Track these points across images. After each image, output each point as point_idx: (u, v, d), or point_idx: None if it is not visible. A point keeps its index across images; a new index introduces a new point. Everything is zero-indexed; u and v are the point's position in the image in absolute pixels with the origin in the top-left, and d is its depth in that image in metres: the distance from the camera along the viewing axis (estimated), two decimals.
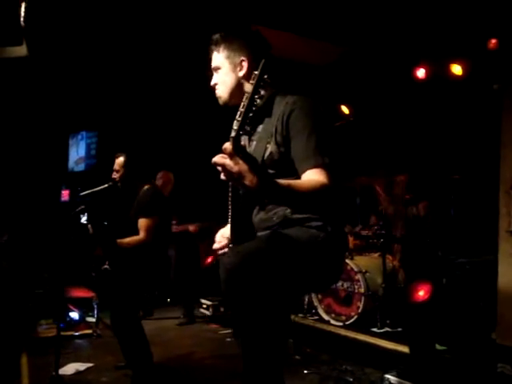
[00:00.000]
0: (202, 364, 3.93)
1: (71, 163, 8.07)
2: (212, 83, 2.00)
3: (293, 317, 4.70)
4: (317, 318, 4.61)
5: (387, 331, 4.07)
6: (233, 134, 1.55)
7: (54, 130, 7.21)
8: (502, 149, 3.31)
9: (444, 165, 5.32)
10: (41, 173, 7.02)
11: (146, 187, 3.41)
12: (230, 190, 1.73)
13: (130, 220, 3.35)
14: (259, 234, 1.85)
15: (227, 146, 1.54)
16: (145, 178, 3.52)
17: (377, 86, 6.11)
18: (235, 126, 1.56)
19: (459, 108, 5.48)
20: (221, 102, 2.01)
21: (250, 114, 1.55)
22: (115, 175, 3.44)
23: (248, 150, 1.81)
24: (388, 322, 4.14)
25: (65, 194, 7.82)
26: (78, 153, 8.00)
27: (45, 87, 6.34)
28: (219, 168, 1.55)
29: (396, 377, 2.87)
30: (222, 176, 1.57)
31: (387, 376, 2.91)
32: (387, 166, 5.34)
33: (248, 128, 1.58)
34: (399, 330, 3.99)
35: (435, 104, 5.69)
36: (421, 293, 2.98)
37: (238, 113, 1.56)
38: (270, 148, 1.81)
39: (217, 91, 2.00)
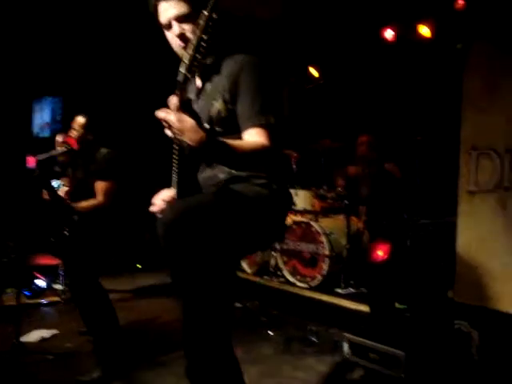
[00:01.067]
0: (167, 329, 3.94)
1: (36, 129, 7.88)
2: (178, 32, 1.81)
3: (258, 279, 4.75)
4: (282, 280, 4.66)
5: (351, 292, 4.15)
6: (180, 77, 1.52)
7: (17, 95, 6.99)
8: (464, 109, 3.31)
9: (409, 126, 5.34)
10: (3, 139, 6.82)
11: (104, 150, 3.33)
12: (174, 146, 1.68)
13: (88, 183, 3.28)
14: (205, 191, 1.83)
15: (172, 100, 1.49)
16: (105, 141, 3.43)
17: (345, 48, 6.06)
18: (182, 68, 1.53)
19: (426, 69, 5.48)
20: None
21: (196, 63, 1.51)
22: (73, 133, 3.34)
23: (195, 107, 1.76)
24: (352, 282, 4.21)
25: (30, 161, 7.67)
26: (42, 118, 7.81)
27: (6, 52, 6.11)
28: (163, 123, 1.51)
29: (356, 335, 2.92)
30: (166, 131, 1.53)
31: (348, 335, 2.95)
32: (354, 127, 5.36)
33: (194, 76, 1.55)
34: (363, 290, 4.07)
35: (403, 65, 5.67)
36: (380, 252, 3.01)
37: (186, 55, 1.53)
38: (218, 105, 1.77)
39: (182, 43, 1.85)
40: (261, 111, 1.72)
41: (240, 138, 1.74)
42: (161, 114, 1.51)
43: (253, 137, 1.71)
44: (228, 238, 1.65)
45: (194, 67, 1.54)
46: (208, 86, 1.85)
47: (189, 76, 1.55)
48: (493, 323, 3.07)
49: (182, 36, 1.78)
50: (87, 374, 2.88)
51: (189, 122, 1.50)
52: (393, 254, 2.99)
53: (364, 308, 3.45)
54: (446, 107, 4.89)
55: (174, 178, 1.75)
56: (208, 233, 1.57)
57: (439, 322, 3.04)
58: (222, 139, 1.62)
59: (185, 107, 1.51)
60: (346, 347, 2.94)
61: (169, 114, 1.50)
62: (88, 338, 3.22)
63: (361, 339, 2.87)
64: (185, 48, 1.71)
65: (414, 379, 2.63)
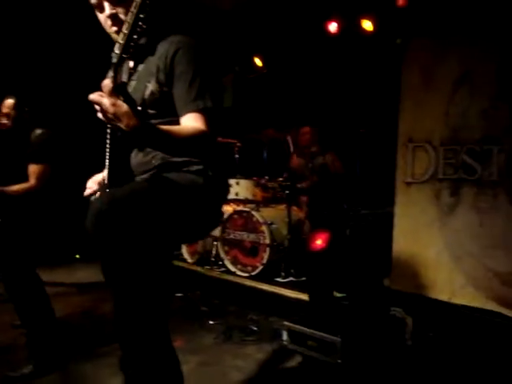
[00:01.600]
0: (106, 320, 3.85)
1: None
2: (109, 13, 1.75)
3: (199, 269, 4.72)
4: (223, 269, 4.64)
5: (291, 281, 4.19)
6: (114, 60, 1.47)
7: None
8: (401, 102, 3.40)
9: (351, 118, 5.44)
10: None
11: (38, 131, 3.18)
12: (107, 129, 1.62)
13: (20, 166, 3.12)
14: (138, 178, 1.77)
15: (107, 83, 1.44)
16: (38, 121, 3.28)
17: (290, 39, 6.08)
18: (117, 49, 1.48)
19: (368, 63, 5.58)
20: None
21: (132, 44, 1.46)
22: (3, 120, 3.18)
23: (128, 88, 1.70)
24: (292, 271, 4.25)
25: None
26: None
27: None
28: (96, 107, 1.45)
29: (295, 323, 2.95)
30: (99, 115, 1.47)
31: (286, 323, 2.98)
32: (296, 118, 5.39)
33: (128, 57, 1.50)
34: (303, 279, 4.12)
35: (346, 58, 5.76)
36: (318, 241, 3.05)
37: (121, 35, 1.47)
38: (151, 87, 1.72)
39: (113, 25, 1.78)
40: (198, 95, 1.68)
41: (174, 120, 1.71)
42: (94, 97, 1.44)
43: (190, 122, 1.68)
44: (161, 227, 1.61)
45: (130, 48, 1.49)
46: (141, 66, 1.79)
47: (124, 57, 1.50)
48: (426, 309, 3.19)
49: (113, 17, 1.72)
50: (18, 370, 2.77)
51: (123, 106, 1.45)
52: (332, 243, 3.04)
53: (303, 296, 3.49)
54: (386, 100, 5.01)
55: (106, 162, 1.69)
56: (139, 222, 1.52)
57: (375, 309, 3.12)
58: (157, 125, 1.58)
59: (119, 91, 1.46)
60: (284, 335, 2.97)
61: (102, 98, 1.44)
62: (22, 331, 3.10)
63: (299, 327, 2.90)
64: (117, 30, 1.65)
65: (350, 364, 2.70)
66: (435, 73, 3.20)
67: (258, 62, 6.79)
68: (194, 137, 1.65)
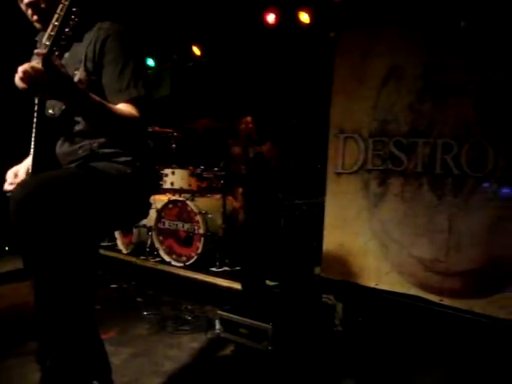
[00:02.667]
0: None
1: None
2: (28, 1, 1.70)
3: (134, 259, 4.67)
4: (158, 259, 4.61)
5: (226, 270, 4.21)
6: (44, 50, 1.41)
7: None
8: (333, 95, 3.47)
9: (287, 109, 5.49)
10: None
11: None
12: (35, 112, 1.57)
13: None
14: (65, 166, 1.74)
15: (40, 51, 1.39)
16: None
17: (229, 28, 6.06)
18: (47, 41, 1.43)
19: (305, 55, 5.65)
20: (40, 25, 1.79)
21: (63, 36, 1.42)
22: None
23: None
24: (227, 261, 4.27)
25: None
26: None
27: None
28: (21, 74, 1.38)
29: (227, 312, 2.98)
30: (19, 83, 1.41)
31: (219, 312, 3.01)
32: (234, 109, 5.39)
33: (62, 43, 1.45)
34: (237, 268, 4.15)
35: (283, 50, 5.80)
36: (248, 230, 3.10)
37: (51, 27, 1.42)
38: (79, 75, 1.69)
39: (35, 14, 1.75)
40: (130, 84, 1.67)
41: None
42: (25, 66, 1.38)
43: (125, 107, 1.67)
44: (86, 215, 1.58)
45: (61, 40, 1.44)
46: (67, 54, 1.74)
47: (54, 50, 1.44)
48: (355, 296, 3.29)
49: (33, 6, 1.66)
50: None
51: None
52: (265, 232, 3.08)
53: (237, 286, 3.52)
54: (321, 92, 5.10)
55: (32, 151, 1.64)
56: (64, 209, 1.49)
57: (307, 296, 3.20)
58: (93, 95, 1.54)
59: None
60: (217, 324, 2.99)
61: (35, 66, 1.38)
62: None
63: (231, 315, 2.93)
64: (38, 19, 1.60)
65: (281, 351, 2.75)
66: (365, 66, 3.28)
67: (196, 50, 6.73)
68: (125, 118, 1.64)
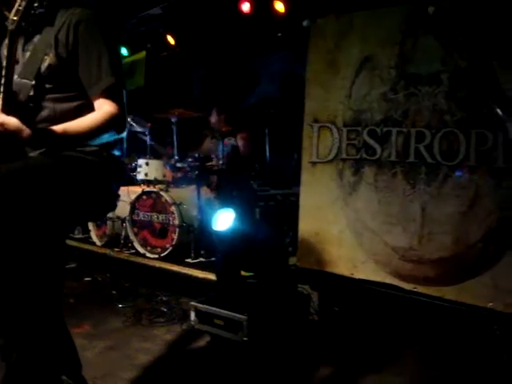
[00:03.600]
0: None
1: None
2: None
3: (108, 251, 4.61)
4: (133, 251, 4.56)
5: (201, 261, 4.18)
6: (11, 27, 1.41)
7: None
8: (307, 84, 3.45)
9: (262, 98, 5.47)
10: None
11: None
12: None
13: None
14: (30, 154, 1.69)
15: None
16: None
17: (203, 17, 5.99)
18: (14, 16, 1.42)
19: (279, 44, 5.63)
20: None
21: (32, 11, 1.41)
22: None
23: (22, 61, 1.62)
24: (202, 252, 4.25)
25: None
26: None
27: None
28: None
29: (202, 303, 2.96)
30: None
31: (194, 303, 2.99)
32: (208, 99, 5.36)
33: (27, 25, 1.42)
34: (213, 259, 4.12)
35: (259, 38, 5.76)
36: (224, 221, 3.07)
37: (14, 11, 1.38)
38: (49, 60, 1.64)
39: None
40: (102, 73, 1.64)
41: (72, 96, 1.69)
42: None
43: (98, 106, 1.65)
44: (52, 207, 1.54)
45: (29, 16, 1.41)
46: (37, 37, 1.69)
47: (23, 25, 1.41)
48: (331, 286, 3.31)
49: None
50: None
51: (11, 124, 1.44)
52: (239, 222, 3.06)
53: (212, 276, 3.50)
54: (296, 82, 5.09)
55: None
56: (28, 202, 1.46)
57: (282, 286, 3.20)
58: (55, 127, 1.54)
59: (8, 105, 1.45)
60: (192, 315, 2.98)
61: None
62: None
63: (206, 306, 2.93)
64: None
65: (257, 342, 2.75)
66: (338, 55, 3.27)
67: (170, 39, 6.63)
68: (103, 125, 1.63)
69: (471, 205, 2.76)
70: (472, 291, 2.72)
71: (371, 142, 3.16)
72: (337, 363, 2.67)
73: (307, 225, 3.41)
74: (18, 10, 1.41)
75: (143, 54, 6.84)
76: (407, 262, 2.99)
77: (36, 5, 1.43)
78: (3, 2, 1.62)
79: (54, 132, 1.54)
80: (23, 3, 1.40)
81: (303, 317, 3.20)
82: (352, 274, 3.19)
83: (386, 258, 3.07)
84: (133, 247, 4.56)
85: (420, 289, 2.93)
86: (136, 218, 4.56)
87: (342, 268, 3.25)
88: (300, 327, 3.12)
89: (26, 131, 1.46)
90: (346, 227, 3.24)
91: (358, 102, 3.22)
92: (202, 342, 2.98)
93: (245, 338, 2.71)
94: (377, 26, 3.12)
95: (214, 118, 5.17)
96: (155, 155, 4.95)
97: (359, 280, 3.16)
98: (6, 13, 1.70)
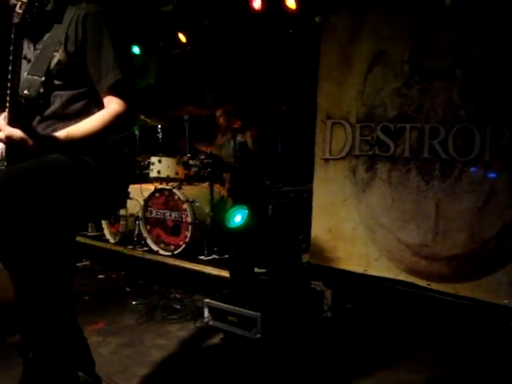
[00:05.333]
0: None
1: None
2: None
3: (122, 249, 4.63)
4: (146, 249, 4.57)
5: (214, 258, 4.19)
6: (16, 20, 1.43)
7: None
8: (320, 81, 3.45)
9: (273, 95, 5.45)
10: None
11: None
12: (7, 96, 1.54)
13: None
14: None
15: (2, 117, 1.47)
16: None
17: (214, 14, 5.98)
18: (19, 8, 1.43)
19: (291, 41, 5.60)
20: None
21: (36, 4, 1.41)
22: None
23: (31, 58, 1.63)
24: (215, 249, 4.25)
25: None
26: None
27: None
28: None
29: (215, 300, 2.96)
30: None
31: (207, 300, 3.00)
32: (218, 96, 5.35)
33: (31, 19, 1.44)
34: (226, 256, 4.13)
35: (270, 36, 5.74)
36: (237, 218, 3.06)
37: (18, 4, 1.40)
38: (59, 56, 1.64)
39: None
40: (112, 68, 1.64)
41: (82, 92, 1.70)
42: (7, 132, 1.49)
43: (108, 104, 1.66)
44: (63, 205, 1.56)
45: (34, 8, 1.42)
46: (46, 35, 1.70)
47: (27, 18, 1.42)
48: (344, 282, 3.30)
49: None
50: None
51: (17, 135, 1.48)
52: (252, 219, 3.05)
53: (226, 274, 3.50)
54: (308, 78, 5.07)
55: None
56: (41, 201, 1.47)
57: (295, 283, 3.19)
58: (59, 133, 1.56)
59: (14, 117, 1.50)
60: (206, 312, 2.98)
61: None
62: None
63: (220, 303, 2.93)
64: None
65: (270, 339, 2.75)
66: (351, 51, 3.26)
67: (181, 37, 6.64)
68: (110, 124, 1.64)
69: (486, 201, 2.73)
70: (487, 288, 2.70)
71: (385, 138, 3.14)
72: (350, 360, 2.66)
73: (320, 222, 3.40)
74: (22, 3, 1.42)
75: (154, 52, 6.86)
76: (421, 258, 2.98)
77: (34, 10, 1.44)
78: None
79: (57, 139, 1.56)
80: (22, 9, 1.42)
81: (316, 314, 3.19)
82: (365, 271, 3.19)
83: (400, 254, 3.06)
84: (146, 245, 4.57)
85: (434, 285, 2.92)
86: (149, 216, 4.57)
87: (355, 265, 3.24)
88: (313, 324, 3.11)
89: (30, 142, 1.50)
90: (359, 224, 3.23)
91: (371, 97, 3.21)
92: (216, 339, 2.99)
93: (258, 335, 2.71)
94: (390, 20, 3.10)
95: (222, 118, 5.15)
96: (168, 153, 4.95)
97: (372, 276, 3.15)
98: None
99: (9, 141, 1.48)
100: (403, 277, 3.04)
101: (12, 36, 1.45)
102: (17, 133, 1.48)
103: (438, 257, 2.89)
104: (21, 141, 1.49)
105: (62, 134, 1.57)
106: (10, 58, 1.47)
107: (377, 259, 3.14)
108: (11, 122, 1.51)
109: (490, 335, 2.64)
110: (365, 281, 3.19)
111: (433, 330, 2.85)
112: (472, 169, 2.81)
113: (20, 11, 1.42)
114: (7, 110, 1.50)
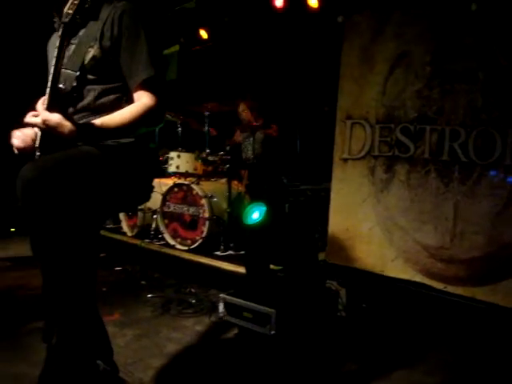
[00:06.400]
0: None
1: None
2: None
3: (139, 242, 4.68)
4: (163, 243, 4.63)
5: (230, 254, 4.22)
6: (65, 20, 1.46)
7: None
8: (341, 80, 3.44)
9: (296, 93, 5.45)
10: None
11: None
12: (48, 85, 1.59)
13: None
14: None
15: (41, 102, 1.56)
16: None
17: (236, 11, 6.01)
18: (69, 9, 1.53)
19: (313, 40, 5.60)
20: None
21: (86, 5, 1.47)
22: None
23: (66, 53, 1.67)
24: (232, 245, 4.28)
25: None
26: None
27: None
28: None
29: (231, 296, 2.99)
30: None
31: (223, 295, 3.02)
32: (239, 92, 5.36)
33: (80, 19, 1.51)
34: (242, 252, 4.15)
35: (292, 34, 5.74)
36: (254, 215, 3.09)
37: (68, 5, 1.44)
38: (93, 52, 1.70)
39: None
40: (146, 65, 1.70)
41: (115, 87, 1.75)
42: (29, 119, 1.58)
43: (139, 98, 1.71)
44: (93, 197, 1.60)
45: (83, 9, 1.49)
46: (82, 31, 1.75)
47: (77, 18, 1.49)
48: (359, 282, 3.30)
49: None
50: None
51: (53, 120, 1.53)
52: (269, 216, 3.07)
53: (242, 269, 3.53)
54: (329, 78, 5.07)
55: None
56: (71, 192, 1.51)
57: (311, 281, 3.20)
58: (95, 121, 1.61)
59: (52, 103, 1.56)
60: (221, 307, 3.01)
61: (36, 118, 1.55)
62: None
63: (235, 299, 2.95)
64: None
65: (284, 336, 2.76)
66: (373, 52, 3.25)
67: (203, 34, 6.68)
68: (140, 117, 1.69)
69: (506, 204, 2.71)
70: (505, 292, 2.68)
71: (404, 139, 3.13)
72: (364, 359, 2.67)
73: (337, 221, 3.41)
74: (73, 4, 1.48)
75: (176, 47, 6.91)
76: (438, 260, 2.96)
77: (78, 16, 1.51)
78: (55, 5, 1.70)
79: (93, 126, 1.60)
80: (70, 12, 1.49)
81: (331, 312, 3.20)
82: (382, 272, 3.18)
83: (416, 256, 3.05)
84: (163, 238, 4.62)
85: (450, 288, 2.90)
86: (167, 210, 4.62)
87: (371, 265, 3.24)
88: (328, 322, 3.11)
89: (68, 127, 1.54)
90: (377, 224, 3.23)
91: (391, 98, 3.20)
92: (230, 334, 3.01)
93: (273, 332, 2.72)
94: (414, 21, 3.08)
95: (244, 112, 5.17)
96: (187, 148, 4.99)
97: (388, 277, 3.14)
98: (55, 13, 1.78)
99: (45, 125, 1.52)
100: (419, 278, 3.03)
101: (59, 34, 1.51)
102: (54, 117, 1.53)
103: (455, 259, 2.88)
104: (56, 126, 1.52)
105: (96, 122, 1.62)
106: (55, 50, 1.55)
107: (393, 260, 3.14)
108: (49, 108, 1.56)
109: (506, 340, 2.62)
110: (380, 281, 3.18)
111: (448, 333, 2.84)
112: (492, 172, 2.78)
113: (70, 11, 1.48)
114: (47, 96, 1.55)
